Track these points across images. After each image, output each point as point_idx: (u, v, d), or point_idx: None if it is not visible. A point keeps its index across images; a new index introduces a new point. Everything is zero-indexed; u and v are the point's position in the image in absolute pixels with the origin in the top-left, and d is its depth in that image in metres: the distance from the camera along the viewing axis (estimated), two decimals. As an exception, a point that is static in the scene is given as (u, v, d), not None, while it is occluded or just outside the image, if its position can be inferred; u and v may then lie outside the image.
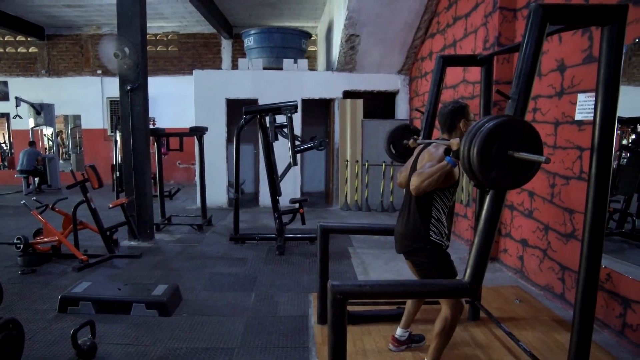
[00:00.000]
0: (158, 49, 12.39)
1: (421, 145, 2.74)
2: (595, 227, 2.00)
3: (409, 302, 3.03)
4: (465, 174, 1.88)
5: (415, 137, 3.03)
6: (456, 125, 2.55)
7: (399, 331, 3.05)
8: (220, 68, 11.95)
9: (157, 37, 12.33)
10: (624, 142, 4.12)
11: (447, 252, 2.61)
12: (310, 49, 11.36)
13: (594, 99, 1.96)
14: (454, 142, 2.17)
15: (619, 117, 1.97)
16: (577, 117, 3.66)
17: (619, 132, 3.66)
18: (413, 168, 2.64)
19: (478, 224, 1.94)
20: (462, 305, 2.55)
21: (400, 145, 3.27)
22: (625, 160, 4.15)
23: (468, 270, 1.88)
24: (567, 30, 2.49)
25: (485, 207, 1.91)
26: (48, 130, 12.54)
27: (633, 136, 3.70)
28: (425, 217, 2.53)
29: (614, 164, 3.66)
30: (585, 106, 3.55)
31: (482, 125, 1.71)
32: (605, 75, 1.93)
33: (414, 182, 2.36)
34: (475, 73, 5.43)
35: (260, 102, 7.74)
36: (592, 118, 1.96)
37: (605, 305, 3.34)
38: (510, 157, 1.68)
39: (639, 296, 3.06)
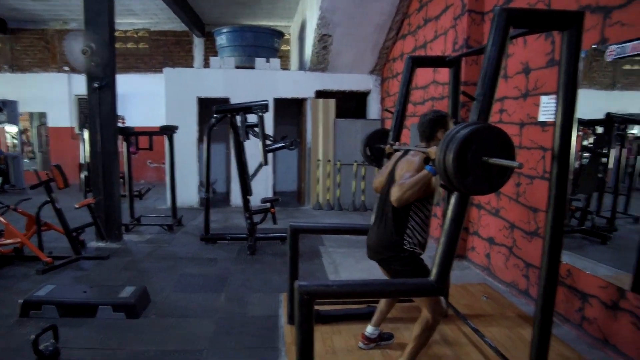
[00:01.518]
0: (128, 45, 12.13)
1: (399, 153, 2.74)
2: (556, 224, 2.06)
3: (382, 301, 3.06)
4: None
5: (391, 142, 3.05)
6: (434, 135, 2.56)
7: (369, 329, 3.08)
8: (192, 66, 11.79)
9: (127, 34, 12.06)
10: (585, 143, 4.27)
11: (421, 258, 2.62)
12: (283, 48, 11.33)
13: (555, 101, 2.03)
14: (433, 151, 2.18)
15: (580, 119, 2.04)
16: (541, 118, 3.78)
17: (580, 133, 3.78)
18: (391, 176, 2.64)
19: (444, 224, 1.98)
20: (442, 308, 2.55)
21: (377, 148, 3.27)
22: (586, 160, 4.30)
23: (434, 269, 1.91)
24: (530, 34, 2.57)
25: (450, 207, 1.94)
26: (12, 128, 12.11)
27: (593, 137, 3.83)
28: (400, 227, 2.53)
29: (576, 164, 3.79)
30: (548, 108, 3.66)
31: (456, 132, 1.75)
32: (565, 78, 2.00)
33: (396, 193, 2.35)
34: (445, 74, 5.52)
35: (232, 101, 7.67)
36: (553, 119, 2.03)
37: (565, 300, 3.46)
38: (484, 163, 1.72)
39: (596, 291, 3.17)
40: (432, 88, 6.06)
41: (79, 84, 11.35)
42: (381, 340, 3.10)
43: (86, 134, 8.58)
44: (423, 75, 6.23)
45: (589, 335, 3.22)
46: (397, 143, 3.01)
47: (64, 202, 5.33)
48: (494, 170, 1.74)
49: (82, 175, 8.83)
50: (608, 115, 3.47)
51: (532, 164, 3.91)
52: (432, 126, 2.56)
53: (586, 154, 4.18)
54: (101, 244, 5.74)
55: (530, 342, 2.19)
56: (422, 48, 6.42)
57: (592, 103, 3.34)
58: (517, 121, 4.12)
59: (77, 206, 5.23)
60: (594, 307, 3.19)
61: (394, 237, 2.54)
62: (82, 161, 9.27)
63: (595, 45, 3.16)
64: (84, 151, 8.98)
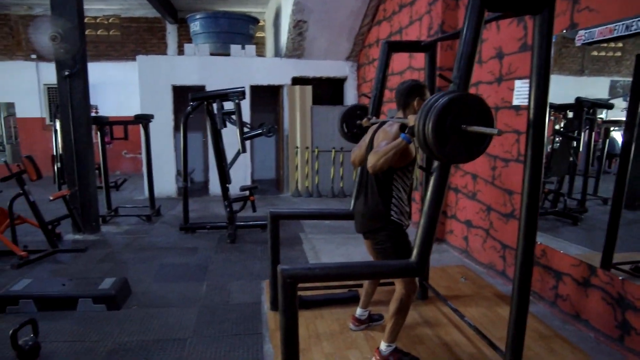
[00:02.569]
0: (99, 32, 11.76)
1: (376, 125, 2.76)
2: (531, 205, 2.12)
3: (366, 283, 3.11)
4: (421, 150, 1.93)
5: (369, 116, 3.06)
6: (410, 103, 2.58)
7: (358, 311, 3.14)
8: (165, 54, 11.53)
9: (98, 20, 11.70)
10: (557, 127, 4.38)
11: (406, 232, 2.68)
12: (259, 34, 11.18)
13: (528, 85, 2.07)
14: (412, 118, 2.19)
15: (552, 103, 2.09)
16: (515, 102, 3.86)
17: (552, 117, 3.88)
18: (369, 147, 2.65)
19: (423, 207, 2.02)
20: (416, 286, 2.64)
21: (353, 125, 3.25)
22: (557, 144, 4.42)
23: (415, 250, 1.95)
24: (504, 18, 2.60)
25: (429, 189, 1.98)
26: (-23, 120, 11.68)
27: (564, 122, 3.94)
28: (385, 197, 2.57)
29: (548, 148, 3.89)
30: (521, 92, 3.74)
31: (436, 101, 1.77)
32: (537, 62, 2.04)
33: (371, 160, 2.37)
34: (420, 60, 5.55)
35: (208, 89, 7.56)
36: (527, 103, 2.08)
37: (540, 279, 3.58)
38: (463, 131, 1.75)
39: (569, 269, 3.29)
40: (408, 74, 6.09)
41: (48, 73, 10.95)
42: (371, 321, 3.16)
43: (58, 125, 8.37)
44: (399, 61, 6.26)
45: (562, 312, 3.35)
46: (373, 117, 3.03)
47: (38, 194, 5.20)
48: (473, 137, 1.77)
49: (56, 167, 8.59)
50: (578, 100, 3.57)
51: (507, 147, 3.99)
52: (408, 94, 2.58)
53: (557, 138, 4.30)
54: (78, 236, 5.64)
55: (508, 320, 2.27)
56: (397, 34, 6.44)
57: (562, 88, 3.43)
58: (492, 105, 4.19)
59: (51, 198, 5.12)
60: (567, 285, 3.31)
61: (381, 208, 2.58)
62: (54, 152, 9.01)
63: (565, 30, 3.24)
64: (56, 142, 8.73)
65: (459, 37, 2.04)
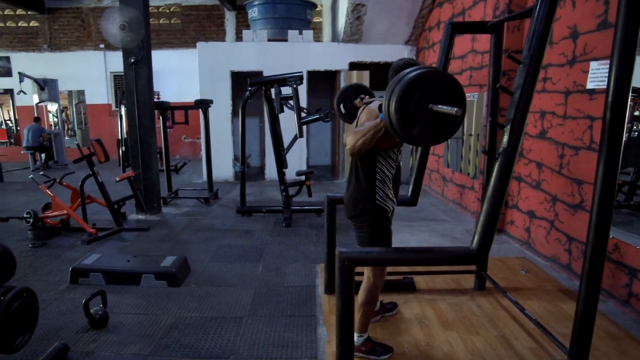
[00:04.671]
0: (161, 21, 12.21)
1: (364, 105, 2.62)
2: (605, 198, 1.97)
3: None
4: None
5: (362, 96, 2.87)
6: None
7: None
8: (224, 40, 11.80)
9: (160, 10, 12.13)
10: (637, 113, 4.05)
11: (390, 219, 2.56)
12: (316, 19, 11.15)
13: (607, 67, 1.90)
14: None
15: (633, 87, 1.91)
16: (589, 85, 3.59)
17: (631, 103, 3.59)
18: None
19: (486, 193, 1.93)
20: (384, 273, 2.51)
21: (351, 105, 3.07)
22: (636, 132, 4.09)
23: (476, 238, 1.88)
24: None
25: (493, 175, 1.90)
26: (53, 107, 12.50)
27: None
28: (369, 180, 2.44)
29: (625, 136, 3.62)
30: (597, 74, 3.47)
31: (401, 79, 1.66)
32: (621, 42, 1.86)
33: (349, 141, 2.23)
34: (484, 42, 5.32)
35: (265, 75, 7.64)
36: (604, 87, 1.91)
37: (611, 275, 3.35)
38: (430, 111, 1.64)
39: (646, 266, 3.06)
40: (470, 57, 5.86)
41: (114, 61, 11.59)
42: (385, 311, 3.09)
43: (123, 111, 8.80)
44: (461, 44, 6.02)
45: (636, 312, 3.12)
46: (367, 97, 2.83)
47: (104, 176, 5.51)
48: (442, 118, 1.64)
49: (121, 151, 9.06)
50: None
51: (577, 135, 3.74)
52: (398, 72, 2.45)
53: (636, 126, 3.98)
54: (141, 216, 5.93)
55: (574, 316, 2.14)
56: (460, 15, 6.19)
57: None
58: (562, 89, 3.95)
59: (117, 179, 5.39)
60: (642, 282, 3.08)
61: (364, 191, 2.46)
62: (119, 137, 9.50)
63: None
64: (121, 127, 9.20)
65: (531, 15, 1.92)
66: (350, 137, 2.24)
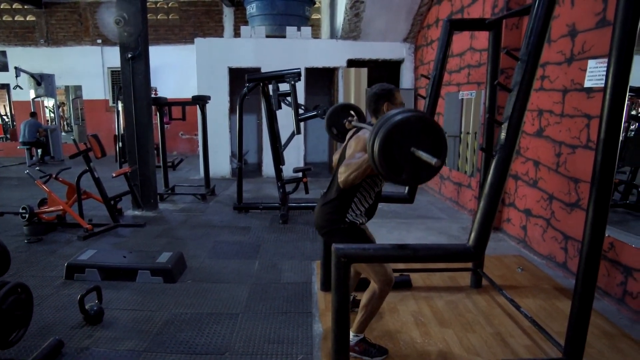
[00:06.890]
0: (159, 17, 12.17)
1: (354, 129, 2.63)
2: (601, 196, 1.98)
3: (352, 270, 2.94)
4: None
5: (350, 118, 2.88)
6: (380, 109, 2.46)
7: None
8: (222, 36, 11.76)
9: (158, 5, 12.09)
10: (633, 112, 4.05)
11: (363, 229, 2.55)
12: (314, 16, 11.13)
13: (605, 65, 1.89)
14: None
15: (630, 86, 1.91)
16: (587, 84, 3.59)
17: (628, 102, 3.59)
18: (343, 154, 2.55)
19: (482, 190, 1.93)
20: (392, 279, 2.49)
21: (340, 125, 3.04)
22: (633, 131, 4.09)
23: (472, 235, 1.87)
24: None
25: (491, 171, 1.89)
26: (49, 102, 12.45)
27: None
28: (345, 201, 2.44)
29: (622, 135, 3.62)
30: (595, 73, 3.47)
31: (383, 123, 1.71)
32: (619, 40, 1.86)
33: (342, 174, 2.26)
34: (482, 40, 5.32)
35: (263, 71, 7.61)
36: (602, 85, 1.91)
37: (607, 274, 3.36)
38: (412, 154, 1.68)
39: (641, 264, 3.06)
40: (468, 55, 5.85)
41: (112, 57, 11.54)
42: (355, 306, 3.07)
43: (120, 106, 8.75)
44: (459, 41, 6.02)
45: (630, 310, 3.13)
46: (355, 119, 2.86)
47: (101, 172, 5.49)
48: (422, 162, 1.66)
49: (117, 147, 9.03)
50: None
51: (574, 133, 3.75)
52: (377, 100, 2.46)
53: (633, 125, 3.98)
54: (137, 212, 5.91)
55: (569, 314, 2.14)
56: (458, 13, 6.18)
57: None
58: (560, 88, 3.94)
59: (114, 175, 5.37)
60: (638, 281, 3.08)
61: (337, 210, 2.46)
62: (116, 133, 9.47)
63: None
64: (118, 123, 9.16)
65: (530, 13, 1.91)
66: (343, 169, 2.26)
